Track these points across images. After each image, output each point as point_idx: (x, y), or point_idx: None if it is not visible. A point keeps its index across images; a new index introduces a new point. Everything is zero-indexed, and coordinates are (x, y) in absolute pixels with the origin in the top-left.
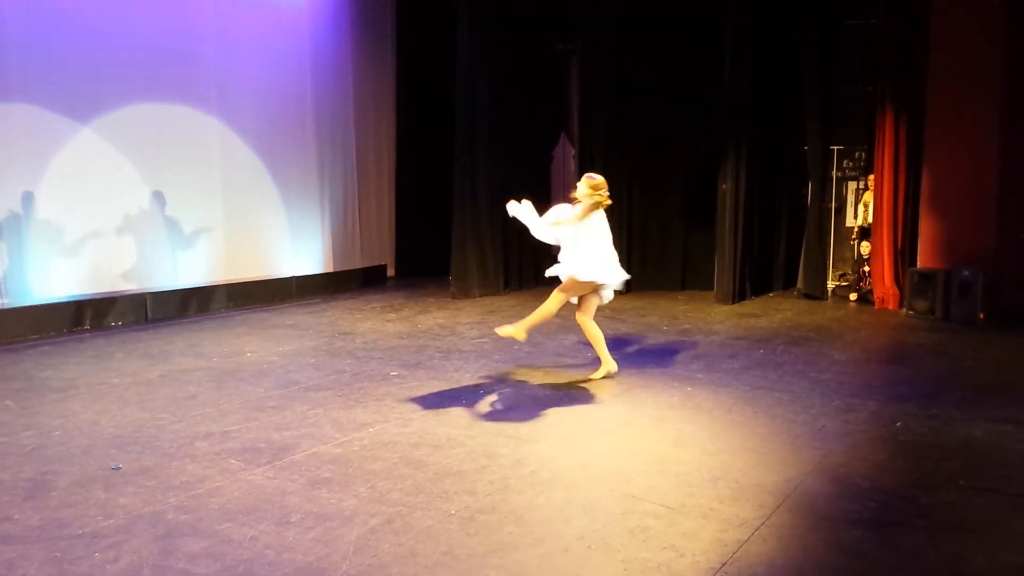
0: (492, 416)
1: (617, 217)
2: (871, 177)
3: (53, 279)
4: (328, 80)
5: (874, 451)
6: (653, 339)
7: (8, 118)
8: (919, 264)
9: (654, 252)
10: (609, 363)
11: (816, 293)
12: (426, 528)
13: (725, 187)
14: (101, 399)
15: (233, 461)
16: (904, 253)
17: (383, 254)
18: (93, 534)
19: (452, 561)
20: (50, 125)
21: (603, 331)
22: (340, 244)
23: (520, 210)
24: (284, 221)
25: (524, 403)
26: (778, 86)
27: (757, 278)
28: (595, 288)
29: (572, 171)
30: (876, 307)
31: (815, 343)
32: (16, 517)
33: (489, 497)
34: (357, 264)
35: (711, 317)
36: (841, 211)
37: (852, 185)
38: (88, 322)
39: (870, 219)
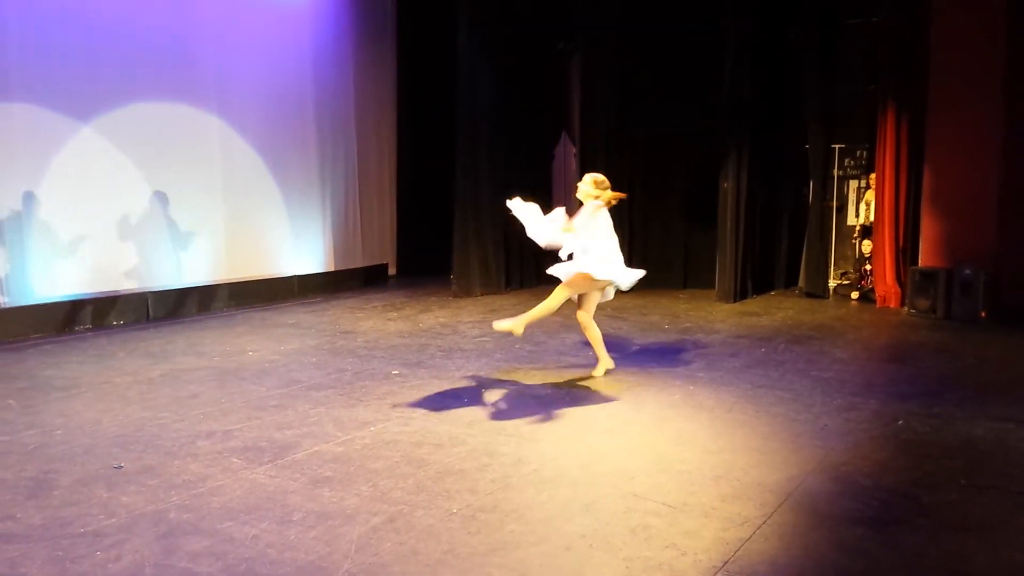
0: (493, 414)
1: (618, 216)
2: (873, 176)
3: (55, 278)
4: (329, 79)
5: (876, 450)
6: (654, 338)
7: (9, 118)
8: (921, 263)
9: (655, 251)
10: (606, 361)
11: (818, 292)
12: (428, 527)
13: (726, 186)
14: (103, 398)
15: (235, 460)
16: (906, 252)
17: (384, 253)
18: (95, 533)
19: (454, 560)
20: (51, 125)
21: (604, 330)
22: (341, 243)
23: (522, 208)
24: (285, 220)
25: (525, 401)
26: (779, 85)
27: (759, 277)
28: (600, 286)
29: (573, 170)
30: (878, 306)
31: (817, 342)
32: (18, 516)
33: (491, 496)
34: (358, 263)
35: (712, 316)
36: (843, 210)
37: (854, 184)
38: (90, 321)
39: (872, 217)
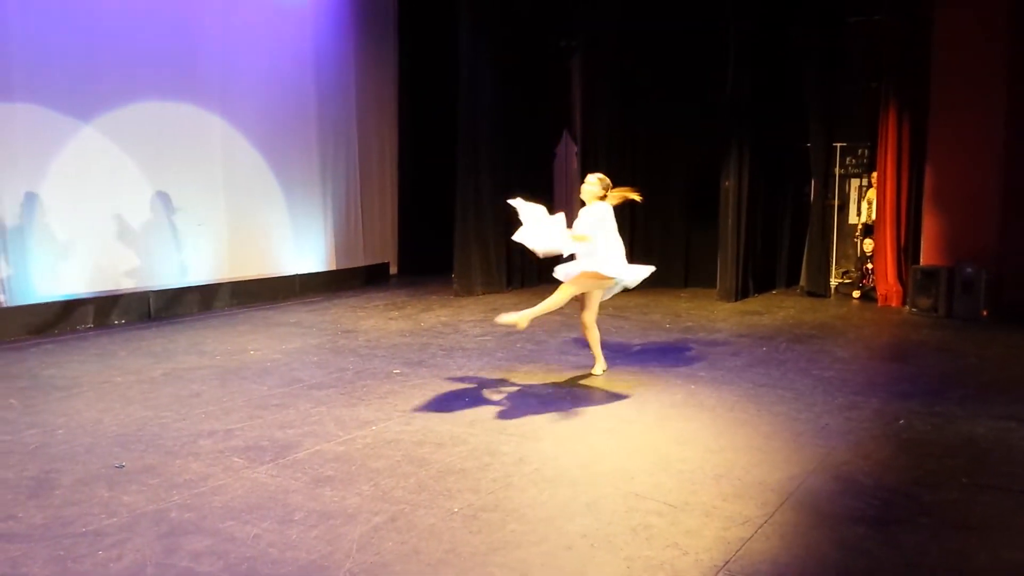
0: (495, 414)
1: (619, 215)
2: (874, 174)
3: (56, 277)
4: (331, 79)
5: (877, 449)
6: (656, 337)
7: (11, 117)
8: (922, 261)
9: (656, 250)
10: (602, 361)
11: (819, 291)
12: (429, 526)
13: (728, 184)
14: (104, 397)
15: (236, 459)
16: (907, 250)
17: (386, 252)
18: (96, 532)
19: (455, 559)
20: (53, 124)
21: (605, 329)
22: (343, 242)
23: (526, 208)
24: (287, 219)
25: (527, 401)
26: (780, 83)
27: (760, 276)
28: (605, 285)
29: (574, 169)
30: (879, 304)
31: (818, 341)
32: (20, 515)
33: (492, 495)
34: (360, 262)
35: (714, 315)
36: (844, 208)
37: (855, 182)
38: (91, 320)
39: (873, 216)
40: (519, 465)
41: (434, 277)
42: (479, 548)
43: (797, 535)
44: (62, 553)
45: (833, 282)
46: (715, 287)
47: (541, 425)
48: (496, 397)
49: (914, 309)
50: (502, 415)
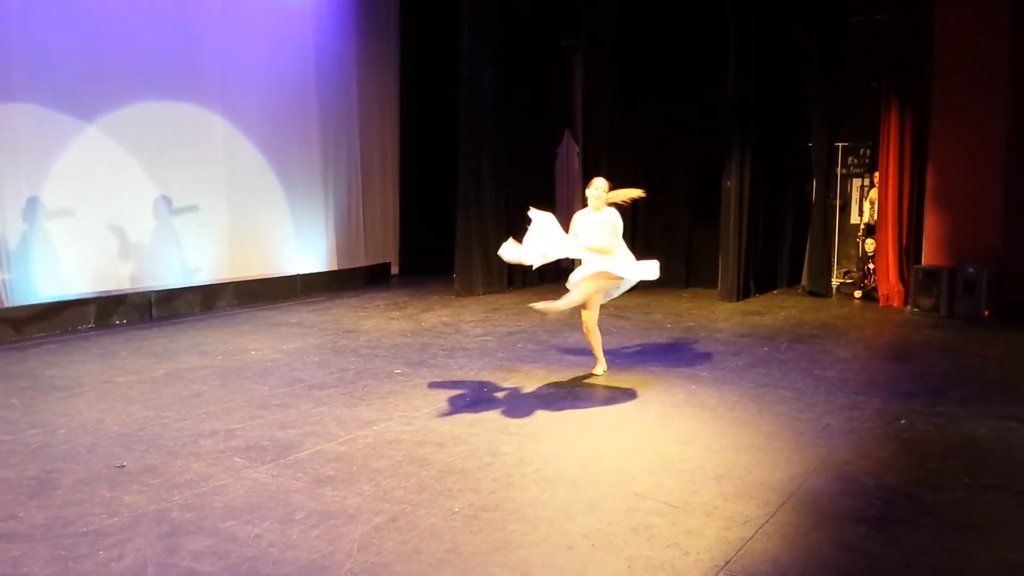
0: (496, 414)
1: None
2: (876, 174)
3: (57, 277)
4: (332, 79)
5: (878, 448)
6: (657, 337)
7: (13, 118)
8: (924, 261)
9: (658, 250)
10: (603, 362)
11: (820, 290)
12: (430, 526)
13: (729, 184)
14: (106, 397)
15: (237, 459)
16: (909, 250)
17: (387, 252)
18: (98, 532)
19: (456, 559)
20: (54, 124)
21: (606, 329)
22: (344, 242)
23: (538, 217)
24: (288, 219)
25: (528, 401)
26: (782, 82)
27: (761, 275)
28: (612, 286)
29: (576, 168)
30: (881, 304)
31: (819, 340)
32: (21, 515)
33: (493, 495)
34: (361, 262)
35: (715, 315)
36: (846, 208)
37: (857, 182)
38: (93, 320)
39: (875, 216)
40: (520, 465)
41: (435, 277)
42: (480, 548)
43: (798, 535)
44: (63, 553)
45: (835, 282)
46: (716, 287)
47: (542, 425)
48: (497, 397)
49: (916, 309)
50: (503, 415)
